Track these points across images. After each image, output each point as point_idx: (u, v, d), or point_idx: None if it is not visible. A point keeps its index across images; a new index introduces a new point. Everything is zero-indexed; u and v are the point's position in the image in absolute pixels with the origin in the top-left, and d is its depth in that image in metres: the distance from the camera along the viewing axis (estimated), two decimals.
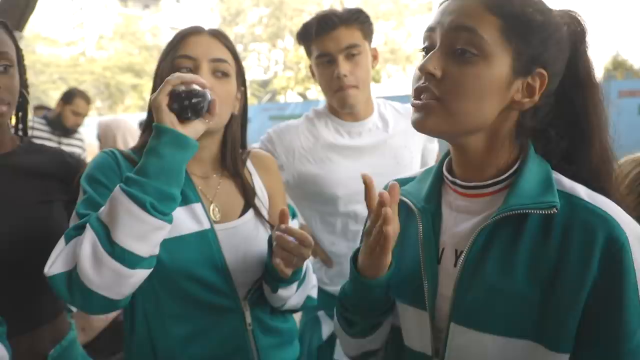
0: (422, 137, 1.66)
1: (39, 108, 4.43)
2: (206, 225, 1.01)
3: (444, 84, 0.72)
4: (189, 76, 0.88)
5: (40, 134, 3.33)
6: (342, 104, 1.47)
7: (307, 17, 1.55)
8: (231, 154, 1.10)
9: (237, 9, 20.57)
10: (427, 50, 0.76)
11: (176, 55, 1.03)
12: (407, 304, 0.82)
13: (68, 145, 3.42)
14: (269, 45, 20.28)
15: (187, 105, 0.86)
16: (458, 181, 0.80)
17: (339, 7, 1.55)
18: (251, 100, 19.23)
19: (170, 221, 0.86)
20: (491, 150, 0.77)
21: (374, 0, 18.09)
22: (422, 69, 0.72)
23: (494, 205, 0.75)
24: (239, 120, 1.12)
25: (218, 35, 1.08)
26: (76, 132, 3.49)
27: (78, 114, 3.42)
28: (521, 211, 0.70)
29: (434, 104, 0.72)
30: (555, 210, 0.68)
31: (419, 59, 0.78)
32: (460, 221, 0.79)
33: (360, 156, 1.51)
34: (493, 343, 0.70)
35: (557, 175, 0.75)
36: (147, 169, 0.84)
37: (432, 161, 1.77)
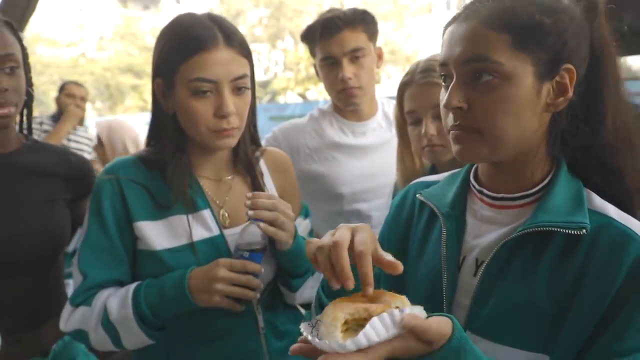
0: None
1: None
2: (215, 231, 1.02)
3: (474, 114, 0.71)
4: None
5: (49, 128, 3.38)
6: (345, 103, 1.49)
7: (306, 18, 1.55)
8: (244, 152, 1.09)
9: (237, 10, 20.57)
10: (446, 84, 0.75)
11: (192, 77, 0.95)
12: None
13: (76, 142, 3.47)
14: (268, 46, 20.29)
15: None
16: (485, 191, 0.80)
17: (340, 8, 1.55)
18: None
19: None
20: (524, 163, 0.75)
21: (374, 1, 18.13)
22: (447, 105, 0.72)
23: (520, 218, 0.75)
24: (250, 118, 1.09)
25: (233, 41, 0.97)
26: (82, 127, 3.52)
27: (72, 95, 3.46)
28: (548, 228, 0.69)
29: (471, 133, 0.72)
30: (584, 231, 0.68)
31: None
32: (485, 231, 0.78)
33: (365, 155, 1.53)
34: (505, 354, 0.71)
35: (588, 193, 0.74)
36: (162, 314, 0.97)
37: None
